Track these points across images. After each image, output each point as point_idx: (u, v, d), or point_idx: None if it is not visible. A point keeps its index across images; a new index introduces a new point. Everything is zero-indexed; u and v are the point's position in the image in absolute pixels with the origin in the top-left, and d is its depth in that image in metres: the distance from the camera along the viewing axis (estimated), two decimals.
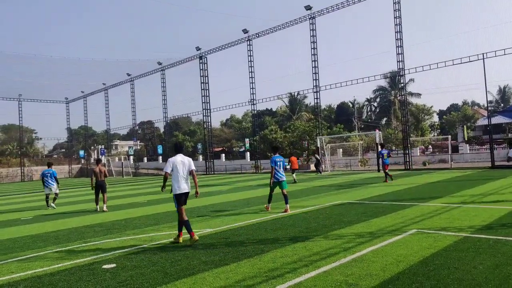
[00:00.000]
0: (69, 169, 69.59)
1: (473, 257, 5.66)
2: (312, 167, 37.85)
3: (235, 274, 5.49)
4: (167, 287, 5.10)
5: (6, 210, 17.15)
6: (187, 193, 7.88)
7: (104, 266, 6.32)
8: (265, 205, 12.03)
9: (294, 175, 23.79)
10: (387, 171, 19.71)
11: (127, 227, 10.13)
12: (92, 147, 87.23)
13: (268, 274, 5.41)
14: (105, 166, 16.45)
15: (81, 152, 70.55)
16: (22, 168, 63.74)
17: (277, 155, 11.89)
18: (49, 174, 16.57)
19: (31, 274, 6.17)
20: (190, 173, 7.97)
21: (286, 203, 11.39)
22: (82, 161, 71.00)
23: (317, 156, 33.34)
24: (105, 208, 14.39)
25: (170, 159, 7.92)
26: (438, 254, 5.92)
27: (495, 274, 4.87)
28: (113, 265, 6.34)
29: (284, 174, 11.78)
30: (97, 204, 14.84)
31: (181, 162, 7.87)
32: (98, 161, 15.77)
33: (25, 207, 18.13)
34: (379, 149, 23.02)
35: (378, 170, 28.82)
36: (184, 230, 7.86)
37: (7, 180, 62.27)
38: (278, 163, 11.62)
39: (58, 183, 16.74)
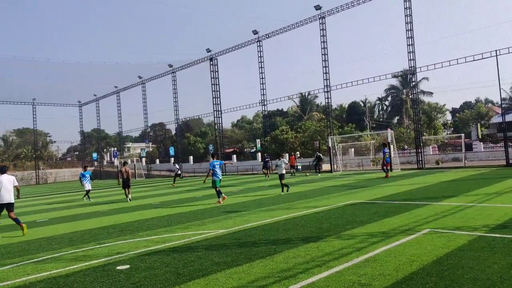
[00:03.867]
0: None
1: (488, 256, 5.58)
2: (324, 167, 37.69)
3: (247, 275, 5.51)
4: None
5: (22, 212, 17.47)
6: (8, 203, 10.48)
7: (118, 267, 6.40)
8: (217, 201, 14.81)
9: (292, 170, 32.64)
10: (387, 167, 22.99)
11: (140, 229, 10.23)
12: (105, 150, 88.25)
13: (281, 274, 5.42)
14: (129, 168, 21.27)
15: (94, 155, 71.46)
16: (37, 171, 64.76)
17: (215, 159, 15.47)
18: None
19: (47, 275, 6.28)
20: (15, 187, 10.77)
21: (219, 197, 14.83)
22: (95, 163, 71.88)
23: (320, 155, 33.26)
24: (130, 197, 18.83)
25: None
26: (452, 253, 5.85)
27: (510, 274, 4.80)
28: (127, 266, 6.42)
29: (220, 174, 14.95)
30: (126, 196, 18.88)
31: (7, 180, 10.54)
32: (124, 163, 20.73)
33: (40, 209, 18.44)
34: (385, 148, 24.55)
35: (391, 170, 28.59)
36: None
37: (22, 183, 63.33)
38: (217, 165, 14.79)
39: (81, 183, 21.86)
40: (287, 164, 17.95)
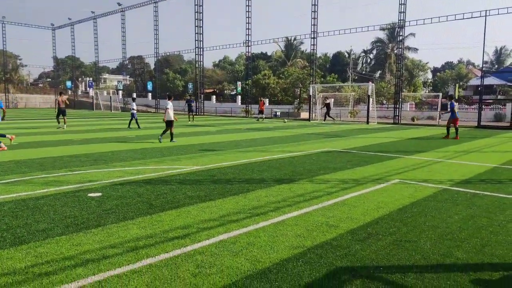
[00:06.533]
0: (55, 99, 68.23)
1: (450, 207, 5.86)
2: (303, 115, 37.91)
3: (219, 209, 5.61)
4: (151, 218, 5.20)
5: None
6: None
7: (90, 194, 6.38)
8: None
9: (259, 115, 32.19)
10: (457, 126, 17.80)
11: (114, 159, 10.15)
12: (80, 79, 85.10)
13: (252, 211, 5.54)
14: (64, 96, 21.50)
15: (68, 83, 68.88)
16: (7, 95, 62.24)
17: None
18: None
19: (16, 197, 6.20)
20: None
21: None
22: (69, 92, 69.56)
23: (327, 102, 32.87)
24: (65, 127, 20.57)
25: None
26: (417, 203, 6.10)
27: (468, 225, 5.07)
28: (99, 194, 6.41)
29: None
30: (58, 123, 21.12)
31: None
32: (60, 93, 22.48)
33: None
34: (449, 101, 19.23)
35: (367, 122, 29.04)
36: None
37: None
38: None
39: None
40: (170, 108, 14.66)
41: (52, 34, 67.16)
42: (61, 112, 20.58)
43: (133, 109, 22.39)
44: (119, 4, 54.11)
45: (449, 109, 18.21)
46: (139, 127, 21.58)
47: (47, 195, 6.31)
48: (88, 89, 69.13)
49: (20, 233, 4.57)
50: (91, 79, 69.77)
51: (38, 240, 4.35)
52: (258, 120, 32.04)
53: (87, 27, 62.06)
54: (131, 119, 22.13)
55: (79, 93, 73.99)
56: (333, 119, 32.02)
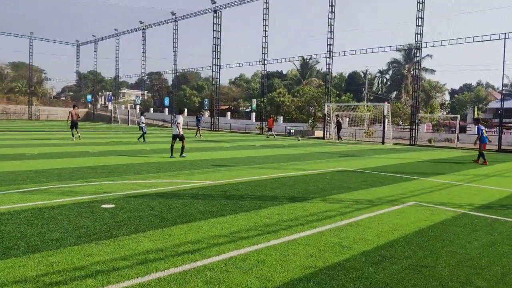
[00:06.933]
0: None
1: (469, 233, 5.67)
2: (317, 134, 37.76)
3: (230, 225, 5.56)
4: (162, 231, 5.18)
5: (12, 144, 17.37)
6: None
7: (103, 206, 6.41)
8: None
9: (269, 132, 32.86)
10: (483, 151, 16.67)
11: (129, 172, 10.23)
12: (100, 93, 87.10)
13: (264, 228, 5.47)
14: (77, 110, 22.86)
15: (89, 97, 70.52)
16: (30, 107, 63.96)
17: None
18: None
19: (32, 206, 6.28)
20: None
21: None
22: (89, 105, 71.16)
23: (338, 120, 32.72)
24: (80, 137, 21.76)
25: None
26: (434, 226, 5.93)
27: (489, 251, 4.88)
28: (112, 206, 6.44)
29: None
30: (72, 136, 21.50)
31: None
32: (74, 105, 23.29)
33: (30, 143, 18.33)
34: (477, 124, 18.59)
35: (383, 143, 28.72)
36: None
37: (14, 117, 62.70)
38: None
39: None
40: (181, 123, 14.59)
41: (77, 50, 69.27)
42: (74, 125, 21.33)
43: (142, 122, 22.52)
44: (141, 23, 55.59)
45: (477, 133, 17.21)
46: (138, 139, 22.19)
47: (62, 205, 6.38)
48: (107, 103, 70.64)
49: (34, 241, 4.60)
50: (110, 93, 71.35)
51: (51, 249, 4.37)
52: (268, 137, 32.09)
53: (109, 43, 63.74)
54: (143, 133, 22.18)
55: (98, 106, 75.53)
56: (340, 138, 31.43)
